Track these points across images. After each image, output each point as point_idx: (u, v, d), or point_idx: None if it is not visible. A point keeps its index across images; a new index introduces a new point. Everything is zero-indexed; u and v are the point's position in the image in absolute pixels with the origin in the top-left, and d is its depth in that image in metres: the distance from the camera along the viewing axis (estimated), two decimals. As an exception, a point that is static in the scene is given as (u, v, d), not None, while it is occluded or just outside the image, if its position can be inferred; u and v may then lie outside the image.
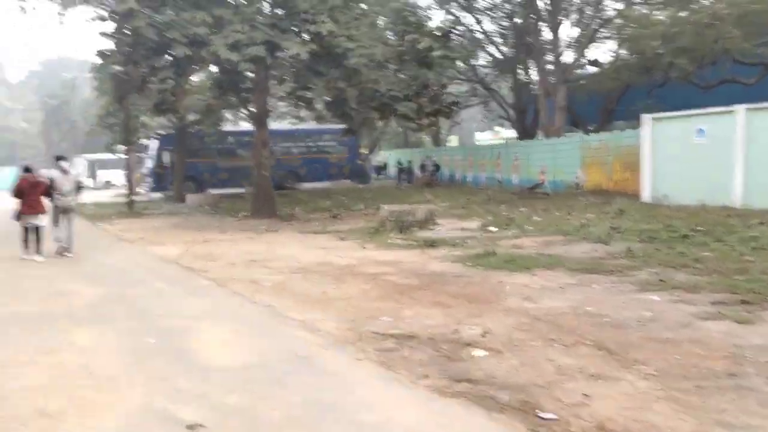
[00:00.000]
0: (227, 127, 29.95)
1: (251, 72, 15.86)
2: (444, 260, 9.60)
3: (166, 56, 15.58)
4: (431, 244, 11.21)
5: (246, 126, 31.27)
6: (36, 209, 11.42)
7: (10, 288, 8.73)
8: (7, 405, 4.26)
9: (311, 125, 35.12)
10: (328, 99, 18.38)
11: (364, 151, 37.80)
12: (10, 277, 9.64)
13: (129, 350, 5.48)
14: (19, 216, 11.41)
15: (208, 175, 29.32)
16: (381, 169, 41.73)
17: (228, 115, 30.43)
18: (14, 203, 11.55)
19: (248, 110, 19.70)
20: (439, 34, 18.62)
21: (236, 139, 30.25)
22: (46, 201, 11.66)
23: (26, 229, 11.44)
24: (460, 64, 25.01)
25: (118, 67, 15.56)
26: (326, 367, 4.89)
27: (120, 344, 5.68)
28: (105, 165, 44.13)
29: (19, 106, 67.22)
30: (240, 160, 29.15)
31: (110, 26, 16.13)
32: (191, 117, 26.05)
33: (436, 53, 17.28)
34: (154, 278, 9.18)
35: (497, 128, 46.95)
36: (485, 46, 31.08)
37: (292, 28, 15.27)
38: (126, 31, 14.86)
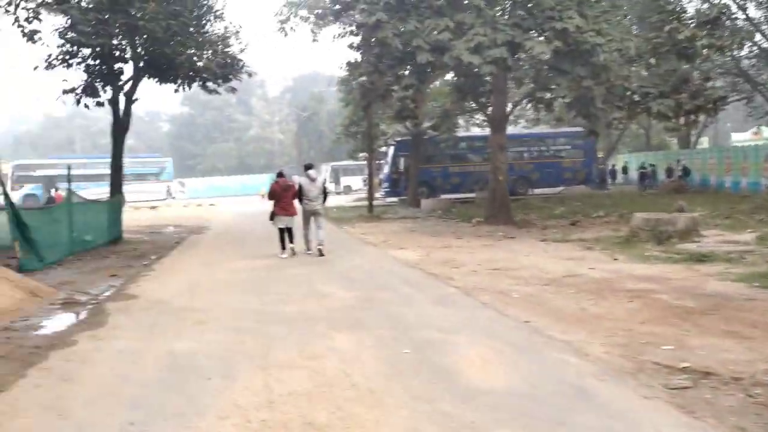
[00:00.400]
0: (458, 132, 30.10)
1: (492, 74, 15.47)
2: (723, 278, 8.21)
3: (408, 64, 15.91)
4: (700, 258, 9.76)
5: (476, 131, 31.21)
6: (287, 210, 12.45)
7: (274, 287, 9.28)
8: (276, 411, 4.22)
9: (541, 129, 33.93)
10: (568, 100, 17.28)
11: (600, 154, 35.47)
12: (271, 276, 10.33)
13: (386, 361, 5.30)
14: (272, 216, 12.51)
15: (440, 180, 29.72)
16: (616, 173, 38.91)
17: (460, 120, 30.58)
18: (269, 205, 12.75)
19: (486, 114, 19.37)
20: (703, 21, 16.36)
21: (467, 145, 30.30)
22: (297, 204, 12.56)
23: (281, 231, 12.48)
24: (719, 56, 21.98)
25: (364, 78, 16.27)
26: (609, 403, 4.15)
27: (377, 353, 5.53)
28: (346, 171, 47.95)
29: (276, 118, 75.56)
30: (470, 165, 29.14)
31: (357, 39, 17.01)
32: (426, 123, 26.61)
33: (701, 42, 15.18)
34: (400, 283, 9.16)
35: (763, 127, 40.83)
36: (753, 33, 27.11)
37: (535, 27, 14.59)
38: (372, 42, 15.46)
